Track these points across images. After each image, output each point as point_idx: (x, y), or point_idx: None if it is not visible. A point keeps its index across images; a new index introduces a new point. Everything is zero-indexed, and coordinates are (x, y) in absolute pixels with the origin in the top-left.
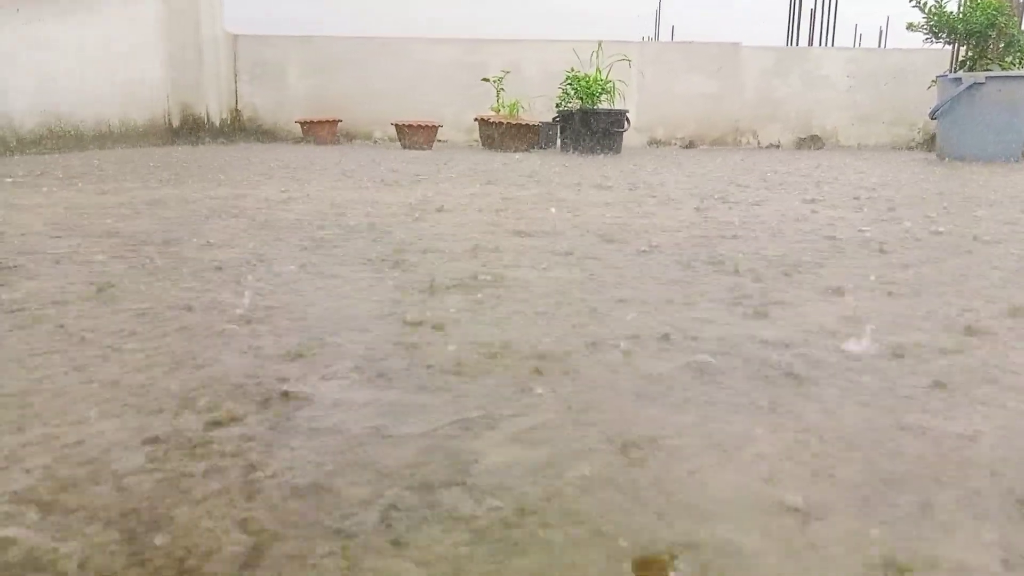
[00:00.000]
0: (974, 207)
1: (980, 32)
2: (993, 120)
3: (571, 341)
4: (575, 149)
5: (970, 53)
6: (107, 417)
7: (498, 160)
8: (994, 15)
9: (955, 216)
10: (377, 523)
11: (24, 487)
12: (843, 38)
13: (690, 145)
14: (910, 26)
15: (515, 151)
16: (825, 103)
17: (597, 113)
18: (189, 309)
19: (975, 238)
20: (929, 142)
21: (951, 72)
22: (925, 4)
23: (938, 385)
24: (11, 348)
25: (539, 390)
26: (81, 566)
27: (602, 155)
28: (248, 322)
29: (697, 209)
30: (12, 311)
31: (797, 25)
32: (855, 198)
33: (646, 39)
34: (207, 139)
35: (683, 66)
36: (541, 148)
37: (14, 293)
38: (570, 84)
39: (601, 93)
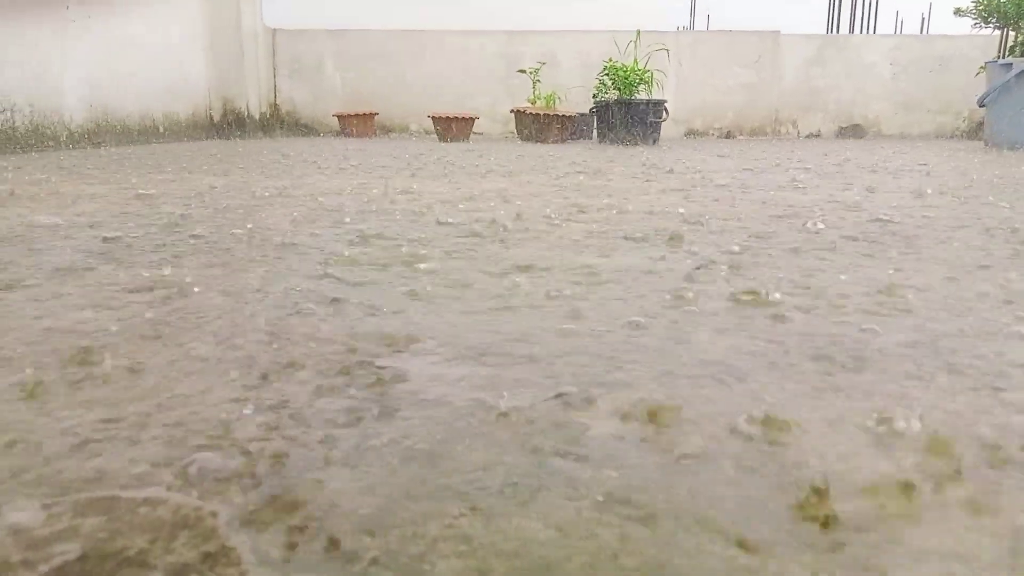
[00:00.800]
0: None
1: None
2: None
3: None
4: (612, 140)
5: (1020, 38)
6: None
7: (543, 152)
8: None
9: None
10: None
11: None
12: (884, 26)
13: (728, 135)
14: (958, 11)
15: (552, 142)
16: (867, 92)
17: (636, 104)
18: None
19: None
20: (974, 130)
21: (1000, 58)
22: None
23: None
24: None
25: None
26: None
27: (641, 146)
28: None
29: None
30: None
31: (838, 13)
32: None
33: (680, 28)
34: (247, 133)
35: (721, 55)
36: (577, 139)
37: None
38: (608, 75)
39: (639, 83)
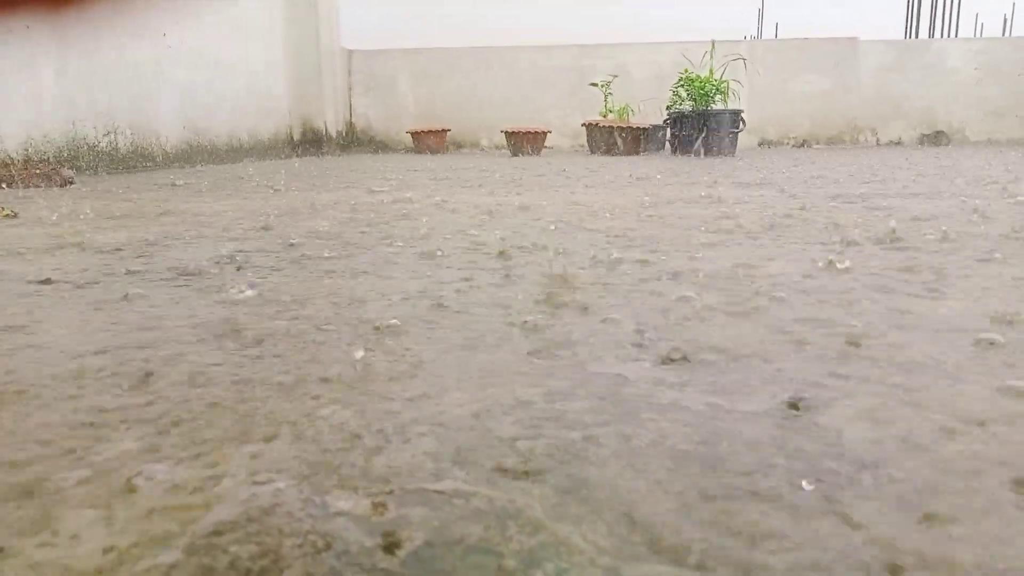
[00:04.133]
0: None
1: None
2: None
3: None
4: (686, 151)
5: None
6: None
7: (621, 164)
8: None
9: None
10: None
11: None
12: (965, 28)
13: (803, 145)
14: None
15: (625, 154)
16: (949, 97)
17: (712, 114)
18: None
19: None
20: None
21: None
22: None
23: None
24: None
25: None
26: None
27: (719, 157)
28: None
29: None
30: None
31: (917, 16)
32: None
33: (748, 37)
34: (325, 151)
35: (796, 63)
36: (650, 152)
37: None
38: (682, 86)
39: (715, 93)
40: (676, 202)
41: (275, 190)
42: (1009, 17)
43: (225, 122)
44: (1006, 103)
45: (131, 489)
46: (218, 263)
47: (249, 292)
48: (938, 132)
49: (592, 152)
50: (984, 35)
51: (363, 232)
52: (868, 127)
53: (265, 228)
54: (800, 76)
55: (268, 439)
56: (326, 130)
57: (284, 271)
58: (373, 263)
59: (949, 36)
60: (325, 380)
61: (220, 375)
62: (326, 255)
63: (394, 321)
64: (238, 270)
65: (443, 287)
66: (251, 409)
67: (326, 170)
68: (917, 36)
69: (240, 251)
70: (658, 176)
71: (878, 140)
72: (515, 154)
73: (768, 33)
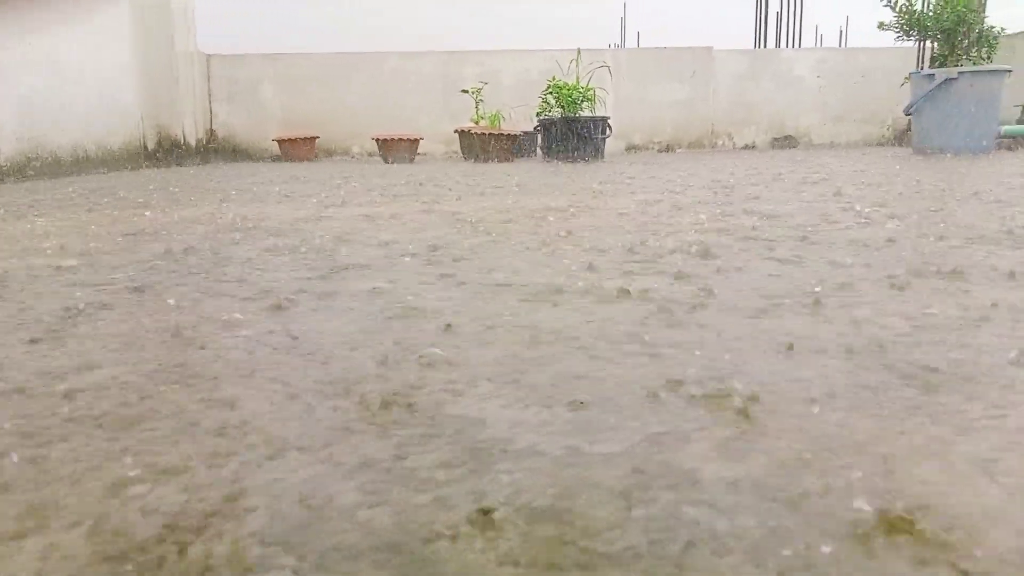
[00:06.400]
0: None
1: (951, 29)
2: (966, 113)
3: None
4: (558, 157)
5: (940, 50)
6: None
7: (494, 171)
8: (963, 12)
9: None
10: None
11: None
12: (807, 39)
13: (667, 149)
14: (881, 25)
15: (497, 161)
16: (797, 104)
17: (580, 121)
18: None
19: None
20: (899, 137)
21: (920, 69)
22: (896, 3)
23: None
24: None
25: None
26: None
27: (587, 162)
28: None
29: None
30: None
31: (764, 27)
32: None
33: (611, 46)
34: (184, 161)
35: (657, 71)
36: (523, 158)
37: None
38: (551, 93)
39: (583, 101)
40: (540, 209)
41: (90, 210)
42: (844, 29)
43: (70, 132)
44: (844, 109)
45: None
46: None
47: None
48: (788, 136)
49: (466, 159)
50: (824, 45)
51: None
52: (725, 132)
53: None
54: (661, 84)
55: None
56: (184, 138)
57: None
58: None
59: (794, 46)
60: None
61: None
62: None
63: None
64: None
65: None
66: None
67: (168, 183)
68: (766, 46)
69: None
70: (516, 187)
71: (734, 144)
72: (387, 161)
73: (631, 42)
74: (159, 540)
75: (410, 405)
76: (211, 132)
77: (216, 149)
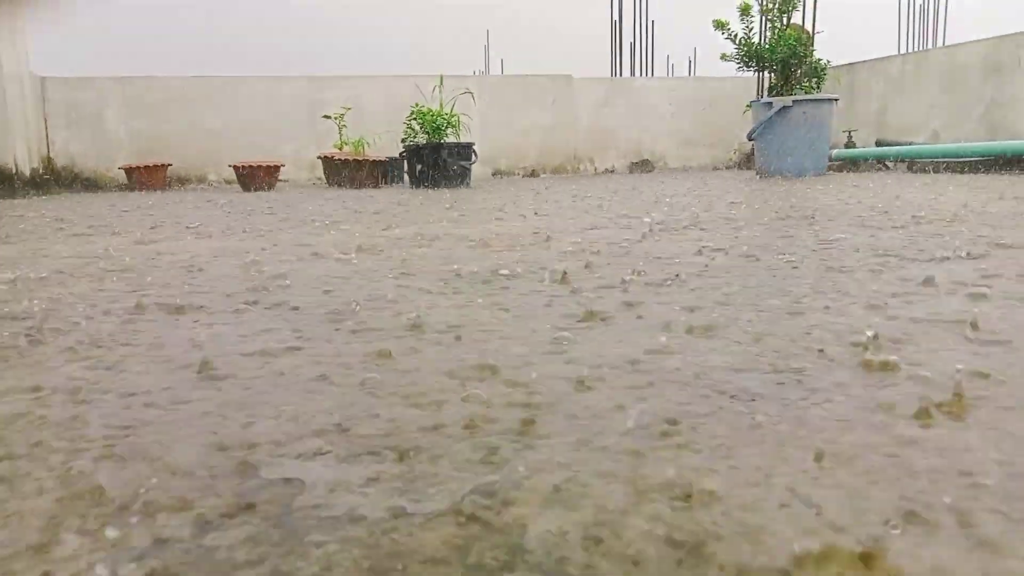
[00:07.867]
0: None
1: (784, 60)
2: (801, 138)
3: None
4: (425, 184)
5: (777, 80)
6: None
7: (363, 198)
8: (794, 45)
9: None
10: None
11: None
12: (659, 69)
13: (532, 174)
14: (724, 56)
15: (363, 187)
16: (652, 130)
17: (445, 147)
18: None
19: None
20: (745, 161)
21: (760, 97)
22: (736, 36)
23: None
24: None
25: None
26: None
27: (454, 188)
28: None
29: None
30: None
31: (620, 57)
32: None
33: (476, 72)
34: (18, 192)
35: (520, 98)
36: (389, 184)
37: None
38: (415, 119)
39: (447, 127)
40: (402, 240)
41: None
42: (692, 60)
43: None
44: (695, 134)
45: None
46: None
47: None
48: (644, 160)
49: (330, 185)
50: (676, 74)
51: None
52: (587, 157)
53: None
54: (525, 110)
55: None
56: (16, 168)
57: None
58: None
59: (647, 75)
60: None
61: None
62: None
63: None
64: None
65: None
66: None
67: None
68: (621, 75)
69: None
70: (375, 213)
71: (595, 169)
72: (246, 189)
73: (496, 69)
74: None
75: None
76: (49, 160)
77: (55, 179)
